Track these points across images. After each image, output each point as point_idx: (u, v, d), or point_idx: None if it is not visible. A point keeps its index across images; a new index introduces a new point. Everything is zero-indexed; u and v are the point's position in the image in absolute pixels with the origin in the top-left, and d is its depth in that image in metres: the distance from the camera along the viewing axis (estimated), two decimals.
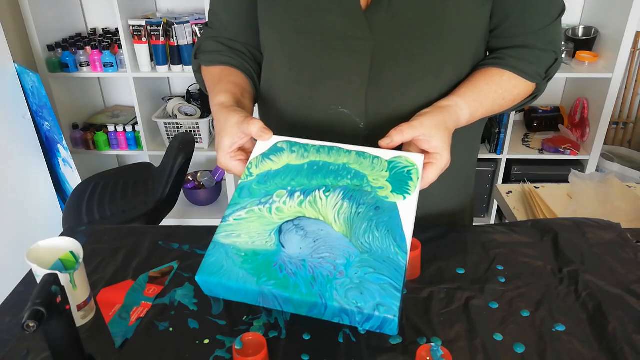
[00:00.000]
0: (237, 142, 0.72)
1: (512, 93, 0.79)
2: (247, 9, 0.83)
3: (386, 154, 0.68)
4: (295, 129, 0.83)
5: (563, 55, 2.22)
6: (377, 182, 0.64)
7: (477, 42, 0.79)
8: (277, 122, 0.85)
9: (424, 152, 0.70)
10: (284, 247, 0.60)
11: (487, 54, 0.84)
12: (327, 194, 0.64)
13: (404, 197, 0.62)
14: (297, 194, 0.65)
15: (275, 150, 0.71)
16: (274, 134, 0.73)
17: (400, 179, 0.64)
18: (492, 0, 0.75)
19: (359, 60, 0.74)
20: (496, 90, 0.77)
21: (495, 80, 0.77)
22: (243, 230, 0.63)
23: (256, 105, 0.89)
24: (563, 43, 2.31)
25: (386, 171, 0.65)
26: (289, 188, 0.66)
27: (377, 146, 0.70)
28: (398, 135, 0.68)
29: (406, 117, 0.77)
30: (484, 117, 0.82)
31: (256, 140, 0.73)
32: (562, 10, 0.80)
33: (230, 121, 0.71)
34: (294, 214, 0.63)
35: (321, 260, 0.58)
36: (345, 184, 0.65)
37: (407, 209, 0.62)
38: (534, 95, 0.82)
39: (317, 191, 0.65)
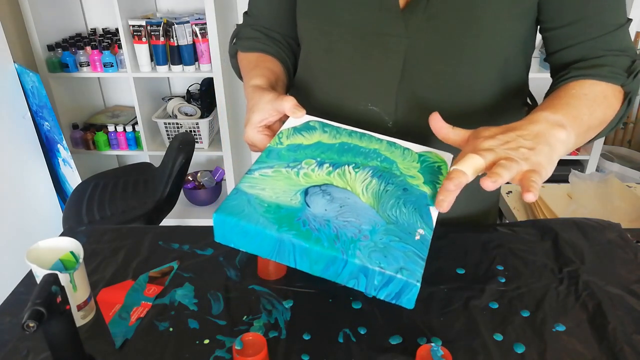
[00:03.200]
0: (267, 118, 0.72)
1: (599, 97, 0.69)
2: (287, 0, 0.84)
3: (416, 148, 0.69)
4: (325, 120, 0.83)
5: None
6: (407, 170, 0.65)
7: (513, 50, 0.76)
8: (309, 112, 0.86)
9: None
10: (309, 206, 0.59)
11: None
12: (356, 169, 0.64)
13: (435, 190, 0.62)
14: (326, 165, 0.65)
15: (307, 127, 0.71)
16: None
17: (431, 172, 0.64)
18: (534, 13, 0.72)
19: (392, 58, 0.74)
20: (584, 93, 0.67)
21: (577, 91, 0.68)
22: (268, 185, 0.62)
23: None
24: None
25: (417, 162, 0.66)
26: (319, 159, 0.66)
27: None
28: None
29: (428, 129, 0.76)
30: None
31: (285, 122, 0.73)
32: (628, 18, 0.72)
33: (264, 98, 0.72)
34: (321, 181, 0.63)
35: (346, 224, 0.57)
36: (375, 164, 0.65)
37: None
38: (629, 99, 0.72)
39: (346, 166, 0.65)
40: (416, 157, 0.67)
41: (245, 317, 0.69)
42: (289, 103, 0.70)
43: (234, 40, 0.91)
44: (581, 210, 1.17)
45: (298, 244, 0.55)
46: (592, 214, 0.95)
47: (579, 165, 2.36)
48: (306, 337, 0.66)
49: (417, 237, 0.56)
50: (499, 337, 0.65)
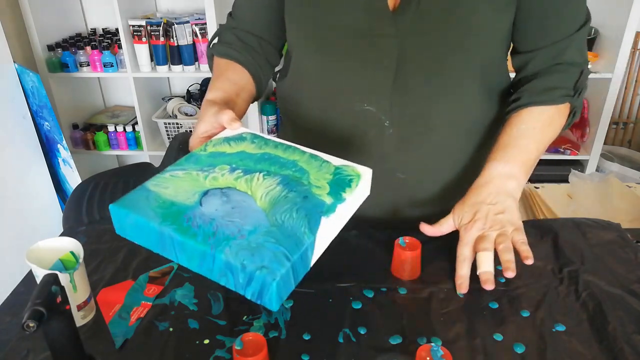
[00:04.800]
0: (210, 130, 0.74)
1: (547, 123, 0.79)
2: (270, 5, 0.85)
3: (336, 161, 0.68)
4: (320, 126, 0.84)
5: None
6: (317, 181, 0.64)
7: (501, 46, 0.80)
8: (302, 120, 0.87)
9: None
10: (201, 205, 0.60)
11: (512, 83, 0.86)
12: (265, 177, 0.65)
13: (337, 202, 0.61)
14: (238, 171, 0.66)
15: (237, 138, 0.72)
16: (298, 132, 0.76)
17: (339, 184, 0.63)
18: (514, 6, 0.75)
19: (385, 58, 0.75)
20: (531, 129, 0.77)
21: (524, 121, 0.78)
22: (173, 184, 0.64)
23: (261, 104, 0.90)
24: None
25: (330, 175, 0.65)
26: (233, 166, 0.67)
27: (404, 147, 0.71)
28: (446, 226, 0.77)
29: (431, 117, 0.79)
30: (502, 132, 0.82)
31: None
32: (587, 19, 0.78)
33: (209, 111, 0.74)
34: (225, 184, 0.64)
35: (229, 223, 0.58)
36: (287, 173, 0.65)
37: (335, 214, 0.60)
38: (573, 113, 0.81)
39: (257, 173, 0.66)
40: (332, 169, 0.66)
41: (245, 317, 0.69)
42: (226, 116, 0.72)
43: (212, 43, 0.92)
44: (581, 210, 1.17)
45: (176, 238, 0.57)
46: (592, 214, 0.95)
47: (579, 165, 2.36)
48: (306, 337, 0.66)
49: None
50: (499, 337, 0.65)
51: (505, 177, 0.75)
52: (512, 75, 0.87)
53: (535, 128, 0.77)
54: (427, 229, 0.75)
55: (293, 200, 0.61)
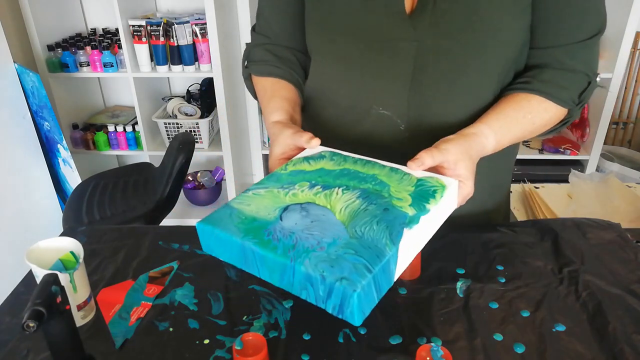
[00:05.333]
0: (287, 152, 0.76)
1: (542, 117, 0.76)
2: (295, 13, 0.85)
3: (418, 173, 0.67)
4: (337, 129, 0.84)
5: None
6: (398, 193, 0.63)
7: (518, 49, 0.78)
8: (320, 123, 0.87)
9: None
10: (281, 220, 0.61)
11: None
12: (345, 191, 0.65)
13: (421, 213, 0.59)
14: (318, 187, 0.66)
15: (317, 157, 0.74)
16: (318, 136, 0.74)
17: (422, 195, 0.62)
18: (530, 9, 0.74)
19: (401, 61, 0.75)
20: (525, 115, 0.75)
21: (523, 105, 0.75)
22: (255, 202, 0.65)
23: None
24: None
25: (412, 186, 0.64)
26: (313, 182, 0.67)
27: (419, 150, 0.69)
28: (428, 157, 0.66)
29: (447, 121, 0.78)
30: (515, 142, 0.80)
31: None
32: (601, 28, 0.75)
33: (284, 133, 0.75)
34: (305, 200, 0.64)
35: (309, 236, 0.58)
36: (366, 187, 0.65)
37: (418, 226, 0.58)
38: (566, 121, 0.80)
39: (337, 188, 0.66)
40: (414, 181, 0.65)
41: (245, 317, 0.69)
42: (305, 136, 0.73)
43: (246, 63, 0.92)
44: (581, 210, 1.17)
45: (257, 252, 0.57)
46: (592, 214, 0.95)
47: (579, 165, 2.36)
48: (306, 337, 0.66)
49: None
50: (499, 337, 0.65)
51: (483, 150, 0.73)
52: None
53: (534, 124, 0.76)
54: (413, 166, 0.67)
55: (373, 212, 0.60)
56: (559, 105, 0.76)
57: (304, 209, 0.62)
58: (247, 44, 0.93)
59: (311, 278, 0.53)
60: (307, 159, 0.73)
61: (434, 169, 0.68)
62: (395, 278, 0.56)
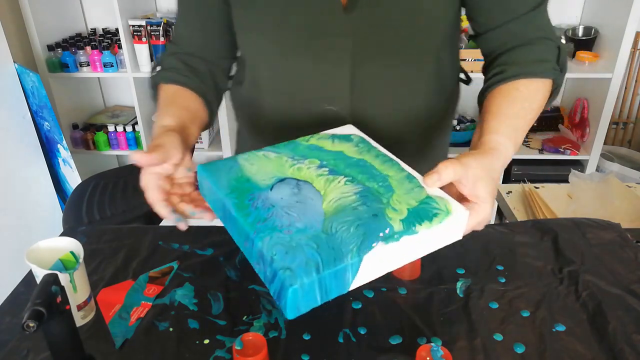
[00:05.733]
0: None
1: (537, 99, 0.73)
2: (215, 19, 0.81)
3: (433, 191, 0.59)
4: (283, 130, 0.83)
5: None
6: (397, 203, 0.58)
7: (452, 31, 0.80)
8: (264, 126, 0.85)
9: (463, 198, 0.61)
10: (271, 190, 0.60)
11: (485, 68, 0.81)
12: (347, 183, 0.61)
13: (405, 232, 0.54)
14: (325, 169, 0.64)
15: (343, 137, 0.70)
16: (258, 137, 0.74)
17: (419, 214, 0.56)
18: None
19: (341, 57, 0.75)
20: (522, 106, 0.72)
21: (515, 97, 0.72)
22: (259, 163, 0.65)
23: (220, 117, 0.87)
24: (563, 43, 2.31)
25: (416, 202, 0.58)
26: (324, 162, 0.65)
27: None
28: (448, 172, 0.58)
29: (391, 113, 0.79)
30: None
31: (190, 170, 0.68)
32: None
33: (168, 139, 0.65)
34: (305, 178, 0.62)
35: (285, 215, 0.56)
36: (371, 186, 0.61)
37: (396, 244, 0.53)
38: (555, 90, 0.77)
39: (342, 177, 0.62)
40: (422, 197, 0.58)
41: (245, 317, 0.69)
42: (175, 158, 0.64)
43: (155, 70, 0.84)
44: (581, 210, 1.17)
45: (232, 212, 0.57)
46: (592, 214, 0.95)
47: (579, 165, 2.36)
48: (306, 337, 0.66)
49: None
50: (499, 337, 0.65)
51: (506, 156, 0.67)
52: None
53: (533, 109, 0.72)
54: (430, 182, 0.60)
55: (360, 214, 0.56)
56: (545, 79, 0.74)
57: (297, 186, 0.61)
58: (160, 54, 0.88)
59: (263, 256, 0.52)
60: (333, 136, 0.71)
61: (449, 186, 0.61)
62: (352, 287, 0.53)
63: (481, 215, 0.60)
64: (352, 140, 0.70)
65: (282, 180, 0.62)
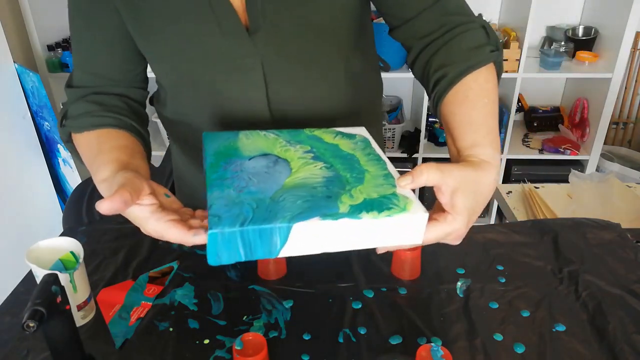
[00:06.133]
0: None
1: (489, 88, 0.69)
2: (117, 43, 0.75)
3: (403, 191, 0.57)
4: None
5: (562, 51, 2.22)
6: (358, 193, 0.57)
7: (360, 26, 0.79)
8: (191, 141, 0.84)
9: (440, 208, 0.59)
10: (249, 160, 0.63)
11: (412, 61, 0.78)
12: (322, 168, 0.62)
13: (348, 215, 0.53)
14: (310, 154, 0.65)
15: (348, 135, 0.71)
16: (188, 152, 0.75)
17: (372, 204, 0.54)
18: None
19: (252, 77, 0.74)
20: (484, 104, 0.68)
21: (471, 97, 0.68)
22: (256, 140, 0.68)
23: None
24: (563, 43, 2.31)
25: (377, 194, 0.56)
26: (314, 149, 0.66)
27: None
28: (419, 176, 0.56)
29: (312, 116, 0.79)
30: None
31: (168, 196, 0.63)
32: None
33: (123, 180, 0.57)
34: (287, 157, 0.64)
35: (246, 179, 0.59)
36: (344, 175, 0.61)
37: (334, 224, 0.52)
38: (499, 69, 0.74)
39: (321, 162, 0.63)
40: (387, 193, 0.57)
41: (245, 317, 0.69)
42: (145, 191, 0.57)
43: (62, 122, 0.74)
44: (581, 210, 1.17)
45: (206, 170, 0.61)
46: (592, 214, 0.95)
47: (579, 165, 2.36)
48: (306, 337, 0.66)
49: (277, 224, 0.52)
50: (499, 337, 0.65)
51: (497, 166, 0.64)
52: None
53: (494, 101, 0.68)
54: (402, 182, 0.57)
55: (314, 193, 0.56)
56: (487, 65, 0.70)
57: (274, 162, 0.63)
58: (62, 104, 0.78)
59: (209, 204, 0.54)
60: (339, 132, 0.71)
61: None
62: (280, 255, 0.53)
63: (452, 227, 0.57)
64: (354, 138, 0.70)
65: (265, 154, 0.64)
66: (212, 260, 0.52)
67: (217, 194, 0.55)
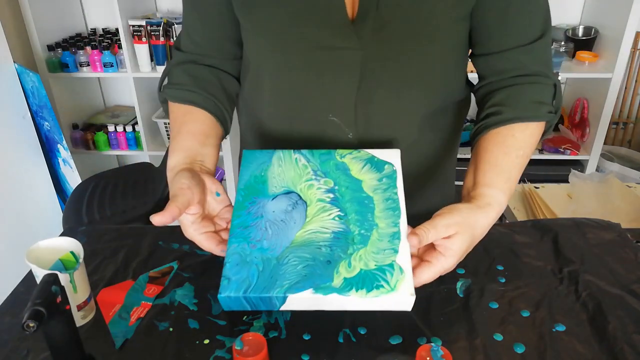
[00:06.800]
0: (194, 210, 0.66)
1: (530, 144, 0.72)
2: (223, 23, 0.79)
3: (402, 258, 0.61)
4: (282, 139, 0.82)
5: (562, 51, 2.22)
6: (358, 260, 0.61)
7: (461, 54, 0.78)
8: (265, 128, 0.85)
9: (431, 244, 0.63)
10: (272, 200, 0.68)
11: (475, 96, 0.81)
12: (336, 218, 0.65)
13: (337, 291, 0.58)
14: (330, 195, 0.68)
15: (379, 165, 0.71)
16: (259, 139, 0.77)
17: (364, 280, 0.59)
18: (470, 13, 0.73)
19: (347, 71, 0.74)
20: (517, 155, 0.70)
21: (510, 144, 0.71)
22: (287, 166, 0.72)
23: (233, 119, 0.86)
24: (563, 43, 2.31)
25: (375, 264, 0.60)
26: (335, 188, 0.69)
27: None
28: (429, 234, 0.60)
29: (393, 127, 0.78)
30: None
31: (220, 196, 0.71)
32: (547, 25, 0.74)
33: (175, 185, 0.67)
34: (308, 198, 0.68)
35: (262, 230, 0.65)
36: (353, 230, 0.64)
37: (325, 298, 0.59)
38: (547, 130, 0.77)
39: (337, 209, 0.66)
40: (384, 261, 0.61)
41: (245, 317, 0.69)
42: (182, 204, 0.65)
43: (164, 84, 0.83)
44: (581, 210, 1.17)
45: (235, 206, 0.69)
46: (592, 214, 0.95)
47: (579, 165, 2.36)
48: (306, 337, 0.66)
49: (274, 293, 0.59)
50: (499, 337, 0.65)
51: (499, 212, 0.68)
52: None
53: (526, 155, 0.72)
54: (413, 241, 0.62)
55: (317, 256, 0.62)
56: (539, 122, 0.73)
57: (294, 205, 0.67)
58: (167, 62, 0.86)
59: (226, 259, 0.63)
60: (369, 160, 0.72)
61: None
62: (283, 309, 0.61)
63: (444, 267, 0.62)
64: (383, 171, 0.71)
65: (287, 193, 0.68)
66: (225, 306, 0.61)
67: (234, 248, 0.63)
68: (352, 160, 0.72)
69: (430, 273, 0.61)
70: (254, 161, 0.73)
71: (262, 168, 0.72)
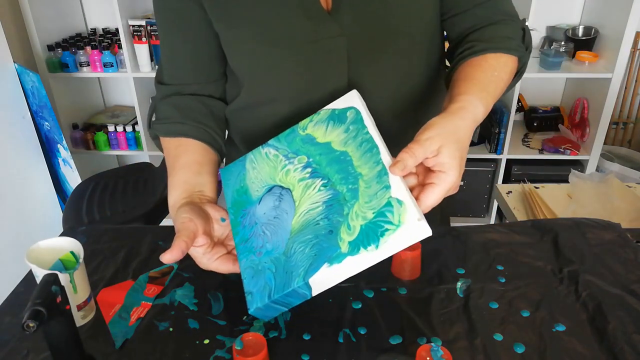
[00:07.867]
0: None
1: (505, 71, 0.75)
2: (200, 39, 0.79)
3: (396, 191, 0.59)
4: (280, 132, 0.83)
5: (562, 51, 2.22)
6: (355, 217, 0.60)
7: (438, 21, 0.82)
8: (259, 134, 0.85)
9: (427, 169, 0.62)
10: (259, 203, 0.70)
11: (447, 46, 0.85)
12: (322, 188, 0.65)
13: (350, 254, 0.58)
14: (309, 169, 0.68)
15: (340, 118, 0.70)
16: (259, 143, 0.77)
17: (368, 233, 0.58)
18: None
19: (335, 59, 0.76)
20: (492, 74, 0.73)
21: (485, 66, 0.73)
22: (260, 165, 0.74)
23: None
24: (563, 43, 2.31)
25: (373, 213, 0.59)
26: (310, 160, 0.69)
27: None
28: (410, 158, 0.59)
29: (388, 106, 0.80)
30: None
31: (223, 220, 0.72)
32: None
33: (178, 220, 0.67)
34: (289, 184, 0.69)
35: (261, 234, 0.66)
36: (340, 190, 0.64)
37: (340, 265, 0.58)
38: (520, 71, 0.80)
39: (319, 179, 0.66)
40: (380, 205, 0.59)
41: (245, 317, 0.69)
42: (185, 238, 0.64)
43: (152, 120, 0.84)
44: (581, 210, 1.17)
45: (231, 226, 0.71)
46: (592, 214, 0.95)
47: (579, 165, 2.36)
48: (306, 337, 0.66)
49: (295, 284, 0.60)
50: (499, 337, 0.65)
51: (475, 114, 0.67)
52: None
53: (502, 79, 0.74)
54: (397, 171, 0.60)
55: (318, 231, 0.62)
56: (511, 55, 0.76)
57: (279, 197, 0.68)
58: (152, 98, 0.86)
59: (242, 276, 0.65)
60: (330, 117, 0.71)
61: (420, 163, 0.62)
62: (314, 294, 0.61)
63: (448, 183, 0.60)
64: (346, 120, 0.70)
65: (270, 189, 0.70)
66: (263, 317, 0.65)
67: (244, 263, 0.66)
68: (315, 127, 0.72)
69: (436, 194, 0.60)
70: (231, 176, 0.75)
71: (239, 180, 0.74)
